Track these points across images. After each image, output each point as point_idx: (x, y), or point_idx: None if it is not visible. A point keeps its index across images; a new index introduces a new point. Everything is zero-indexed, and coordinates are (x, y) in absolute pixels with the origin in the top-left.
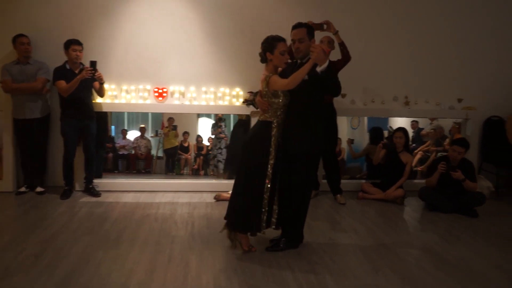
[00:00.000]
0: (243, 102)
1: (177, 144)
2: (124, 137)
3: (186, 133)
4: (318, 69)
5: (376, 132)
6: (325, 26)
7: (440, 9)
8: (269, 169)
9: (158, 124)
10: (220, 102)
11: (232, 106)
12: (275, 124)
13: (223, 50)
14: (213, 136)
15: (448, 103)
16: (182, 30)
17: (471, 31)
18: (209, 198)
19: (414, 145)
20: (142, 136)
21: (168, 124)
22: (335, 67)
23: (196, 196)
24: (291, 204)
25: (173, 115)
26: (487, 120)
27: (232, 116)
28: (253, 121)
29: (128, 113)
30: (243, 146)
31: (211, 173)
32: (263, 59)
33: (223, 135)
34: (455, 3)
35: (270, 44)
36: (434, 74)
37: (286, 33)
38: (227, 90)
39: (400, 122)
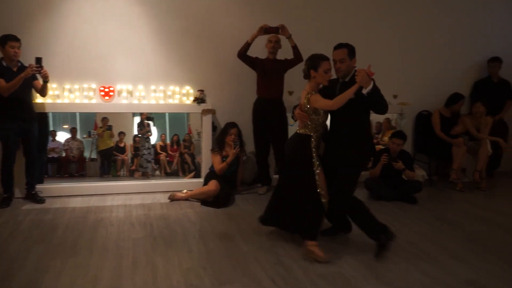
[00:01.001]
0: (194, 100)
1: (112, 144)
2: (54, 139)
3: (122, 133)
4: (364, 91)
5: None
6: (279, 30)
7: (377, 10)
8: (317, 179)
9: (88, 125)
10: (170, 101)
11: (182, 104)
12: (314, 138)
13: (171, 47)
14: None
15: (386, 99)
16: (129, 26)
17: (408, 33)
18: (163, 198)
19: None
20: (73, 138)
21: (103, 124)
22: (284, 66)
23: (149, 197)
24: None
25: (118, 115)
26: (418, 115)
27: (167, 115)
28: (205, 119)
29: (53, 113)
30: (285, 159)
31: (139, 173)
32: (306, 76)
33: (150, 134)
34: (391, 3)
35: (314, 62)
36: (375, 72)
37: (236, 31)
38: (177, 89)
39: None
